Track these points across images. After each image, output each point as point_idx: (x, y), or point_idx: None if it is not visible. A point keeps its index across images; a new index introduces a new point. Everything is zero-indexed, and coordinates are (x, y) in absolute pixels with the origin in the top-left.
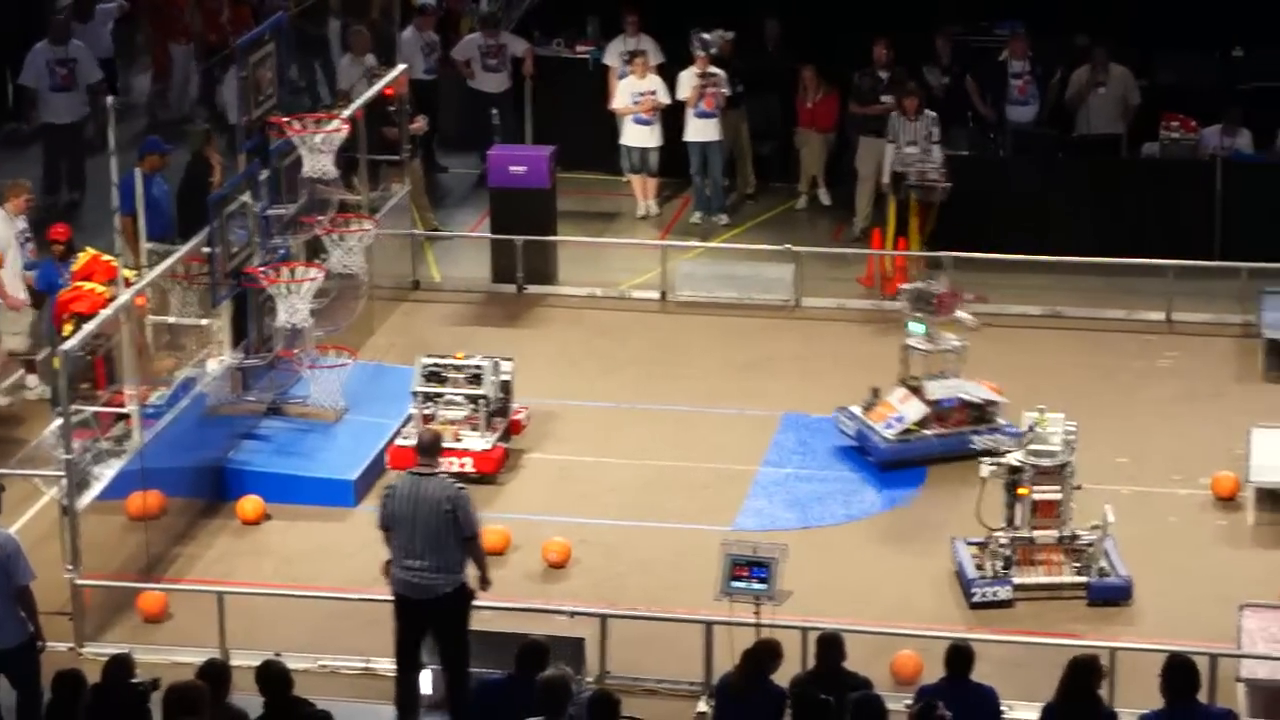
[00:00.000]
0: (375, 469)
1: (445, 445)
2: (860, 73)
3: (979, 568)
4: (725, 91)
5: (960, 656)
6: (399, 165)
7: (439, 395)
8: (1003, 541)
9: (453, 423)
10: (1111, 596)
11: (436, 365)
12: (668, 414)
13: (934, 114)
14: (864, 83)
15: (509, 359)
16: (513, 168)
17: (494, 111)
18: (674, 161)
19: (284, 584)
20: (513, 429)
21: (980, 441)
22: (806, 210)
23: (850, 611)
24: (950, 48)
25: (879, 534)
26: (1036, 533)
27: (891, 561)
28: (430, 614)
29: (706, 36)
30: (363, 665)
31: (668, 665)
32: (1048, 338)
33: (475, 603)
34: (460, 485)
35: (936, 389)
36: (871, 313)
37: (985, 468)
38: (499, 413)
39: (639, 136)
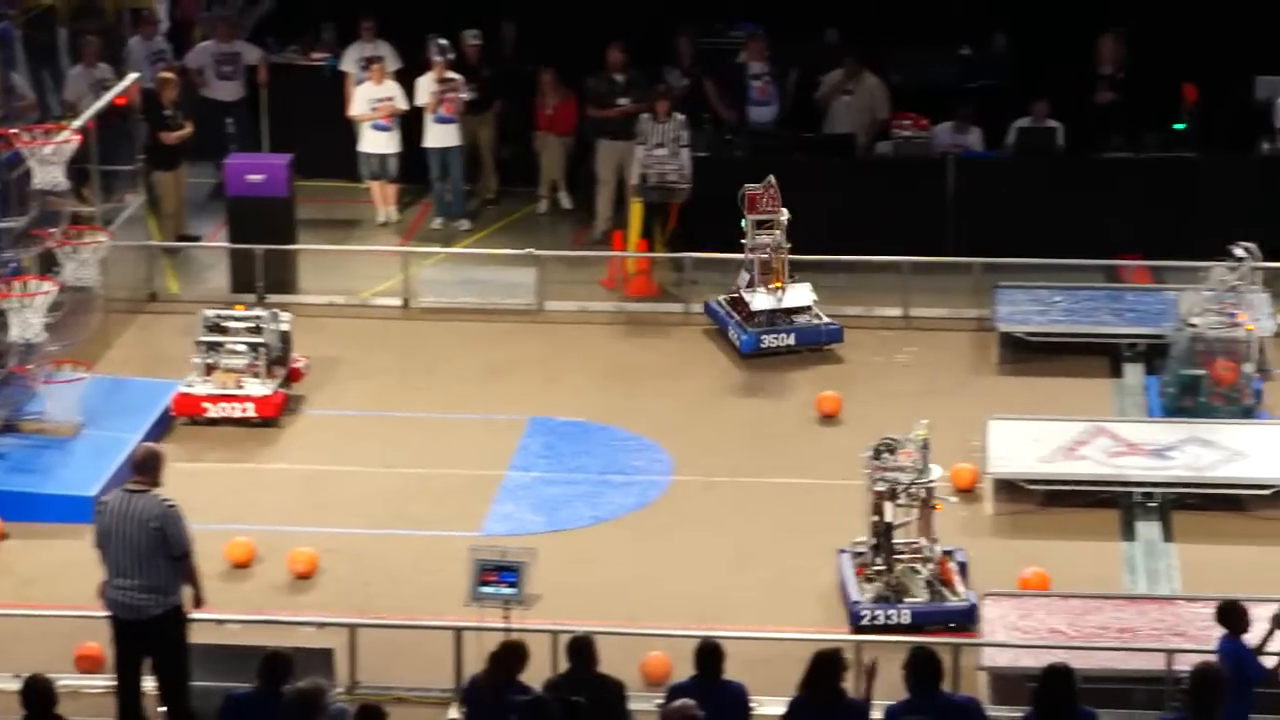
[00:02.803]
0: (115, 484)
1: (160, 458)
2: (595, 77)
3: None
4: (464, 96)
5: (710, 655)
6: (133, 176)
7: (221, 345)
8: (929, 562)
9: (235, 371)
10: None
11: (219, 317)
12: (413, 421)
13: (683, 117)
14: (600, 86)
15: (287, 310)
16: (250, 176)
17: (229, 120)
18: (414, 167)
19: (23, 604)
20: (293, 376)
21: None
22: (548, 214)
23: (600, 613)
24: (691, 49)
25: (627, 535)
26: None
27: (640, 562)
28: (143, 635)
29: (444, 42)
30: (107, 684)
31: (418, 673)
32: None
33: (221, 618)
34: (172, 503)
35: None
36: (614, 314)
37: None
38: (279, 361)
39: (377, 142)
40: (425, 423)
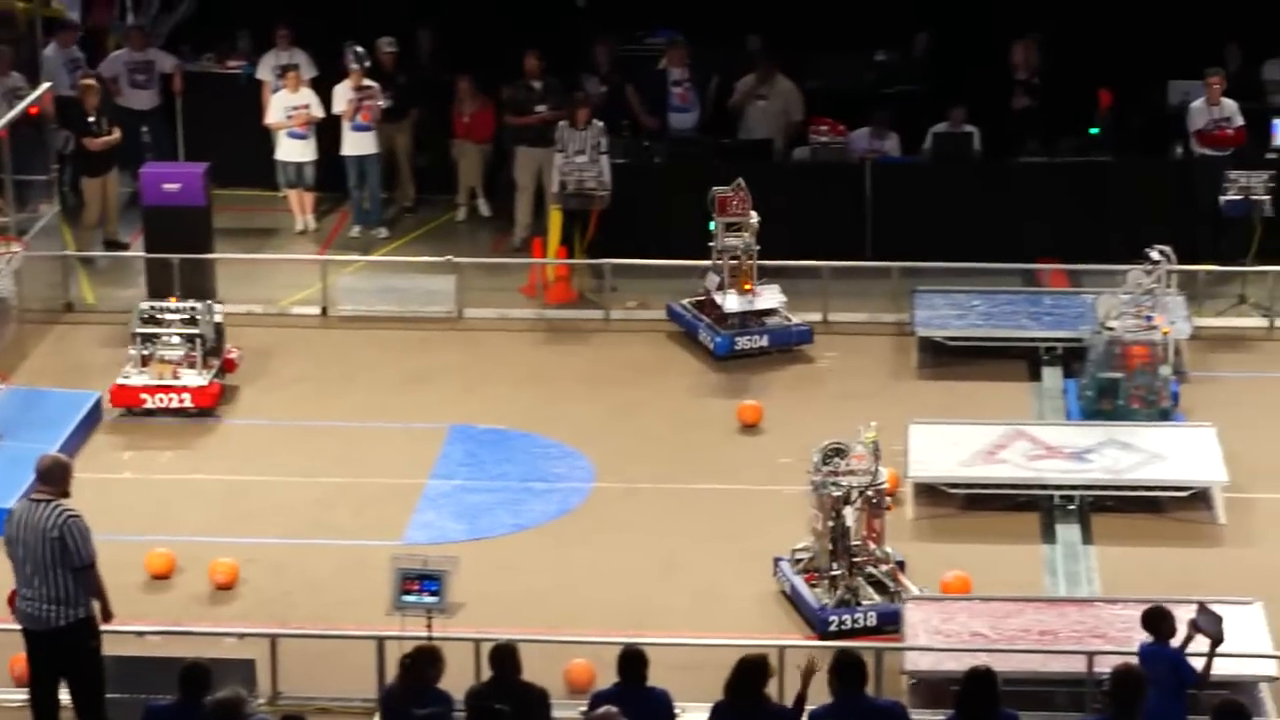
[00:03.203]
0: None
1: (66, 468)
2: (512, 84)
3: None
4: (381, 104)
5: (633, 661)
6: (48, 185)
7: (157, 336)
8: (883, 564)
9: (171, 362)
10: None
11: (154, 309)
12: (332, 430)
13: (601, 124)
14: (517, 93)
15: (220, 302)
16: (166, 185)
17: (144, 129)
18: (332, 175)
19: None
20: (227, 367)
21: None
22: (466, 222)
23: (522, 621)
24: (609, 57)
25: (549, 542)
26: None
27: (561, 569)
28: (51, 646)
29: (360, 50)
30: (25, 699)
31: (340, 683)
32: None
33: (141, 629)
34: (74, 514)
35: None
36: (534, 322)
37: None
38: (213, 352)
39: (294, 151)
40: (345, 431)
